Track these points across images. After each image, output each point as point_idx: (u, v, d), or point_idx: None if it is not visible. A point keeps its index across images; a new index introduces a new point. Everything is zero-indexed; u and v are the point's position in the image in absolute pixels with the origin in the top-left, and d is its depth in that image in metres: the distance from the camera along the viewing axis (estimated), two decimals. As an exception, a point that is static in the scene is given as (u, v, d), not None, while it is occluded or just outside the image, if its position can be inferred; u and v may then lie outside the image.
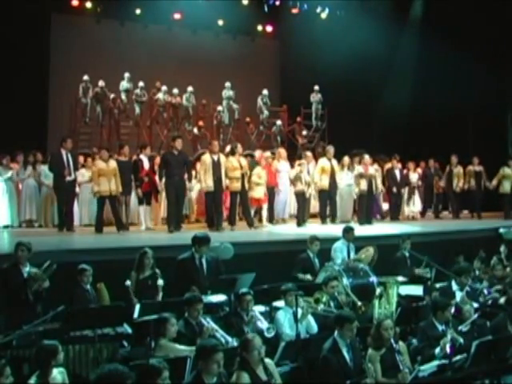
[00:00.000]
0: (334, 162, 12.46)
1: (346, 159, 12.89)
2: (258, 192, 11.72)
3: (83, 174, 11.77)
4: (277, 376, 5.13)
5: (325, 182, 12.13)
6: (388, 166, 13.82)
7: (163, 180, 10.60)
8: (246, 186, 11.29)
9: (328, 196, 12.29)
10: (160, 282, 7.01)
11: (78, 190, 11.45)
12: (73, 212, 11.07)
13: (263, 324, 6.35)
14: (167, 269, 7.35)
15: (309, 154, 13.14)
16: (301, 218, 11.96)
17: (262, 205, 12.03)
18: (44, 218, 11.79)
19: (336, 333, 5.63)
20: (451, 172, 14.24)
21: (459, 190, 14.21)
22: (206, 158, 10.90)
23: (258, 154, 13.26)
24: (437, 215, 14.68)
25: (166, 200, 10.98)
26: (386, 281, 7.63)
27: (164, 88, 16.19)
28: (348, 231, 9.15)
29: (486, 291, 8.16)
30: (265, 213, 12.14)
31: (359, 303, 7.28)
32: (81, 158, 12.03)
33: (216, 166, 10.77)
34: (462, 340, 5.98)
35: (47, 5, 15.65)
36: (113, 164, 10.75)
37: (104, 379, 3.40)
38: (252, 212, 11.83)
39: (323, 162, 12.35)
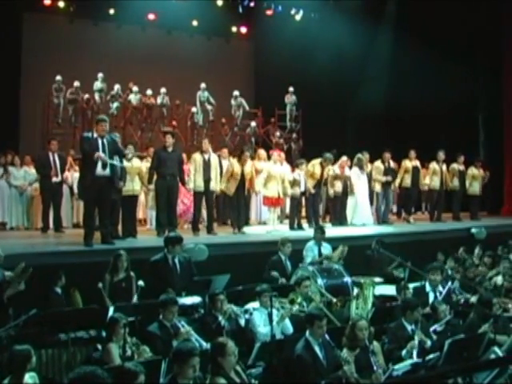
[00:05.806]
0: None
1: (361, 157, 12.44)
2: (271, 190, 11.03)
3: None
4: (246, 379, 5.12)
5: (338, 188, 11.94)
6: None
7: (153, 181, 9.73)
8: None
9: (340, 200, 12.01)
10: (140, 282, 6.96)
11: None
12: (60, 213, 10.73)
13: (239, 311, 6.52)
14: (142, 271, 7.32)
15: (302, 160, 11.96)
16: (294, 221, 11.49)
17: (276, 206, 11.35)
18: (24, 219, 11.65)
19: (307, 332, 5.66)
20: (441, 170, 13.24)
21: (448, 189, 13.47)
22: (197, 157, 10.33)
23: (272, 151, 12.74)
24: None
25: (155, 203, 10.02)
26: (363, 281, 7.69)
27: (135, 89, 16.07)
28: (317, 231, 9.25)
29: (457, 291, 8.28)
30: (274, 214, 11.38)
31: (334, 300, 7.29)
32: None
33: (206, 165, 10.21)
34: (429, 342, 6.03)
35: (19, 4, 15.38)
36: (136, 163, 10.14)
37: (80, 381, 3.32)
38: (275, 215, 11.35)
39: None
